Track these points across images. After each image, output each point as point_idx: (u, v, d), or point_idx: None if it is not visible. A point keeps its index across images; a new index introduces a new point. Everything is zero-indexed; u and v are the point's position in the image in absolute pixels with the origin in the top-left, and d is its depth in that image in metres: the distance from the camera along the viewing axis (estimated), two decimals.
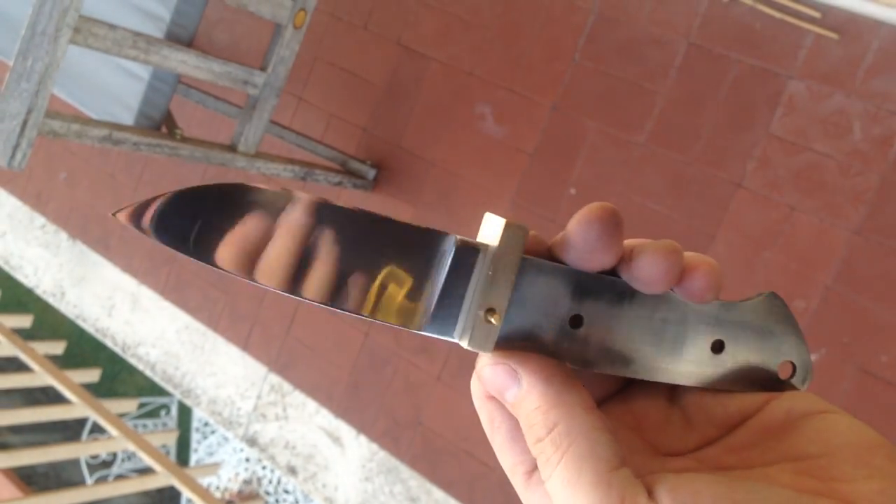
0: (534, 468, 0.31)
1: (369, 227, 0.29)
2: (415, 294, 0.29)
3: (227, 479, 3.28)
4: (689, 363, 0.32)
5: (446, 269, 0.29)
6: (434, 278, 0.29)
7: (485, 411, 0.32)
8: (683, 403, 0.33)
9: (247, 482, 3.30)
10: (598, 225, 0.29)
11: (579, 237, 0.29)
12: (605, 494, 0.27)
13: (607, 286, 0.30)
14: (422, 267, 0.29)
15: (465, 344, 0.29)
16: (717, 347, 0.32)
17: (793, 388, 0.33)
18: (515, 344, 0.30)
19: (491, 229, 0.30)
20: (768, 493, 0.27)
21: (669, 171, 1.56)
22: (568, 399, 0.29)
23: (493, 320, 0.29)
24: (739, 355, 0.32)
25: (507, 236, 0.29)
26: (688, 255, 0.30)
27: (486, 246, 0.29)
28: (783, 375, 0.33)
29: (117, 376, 3.51)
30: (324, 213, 0.28)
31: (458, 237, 0.29)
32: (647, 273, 0.30)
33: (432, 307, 0.29)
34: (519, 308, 0.30)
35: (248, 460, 3.31)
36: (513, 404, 0.30)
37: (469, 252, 0.29)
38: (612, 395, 0.34)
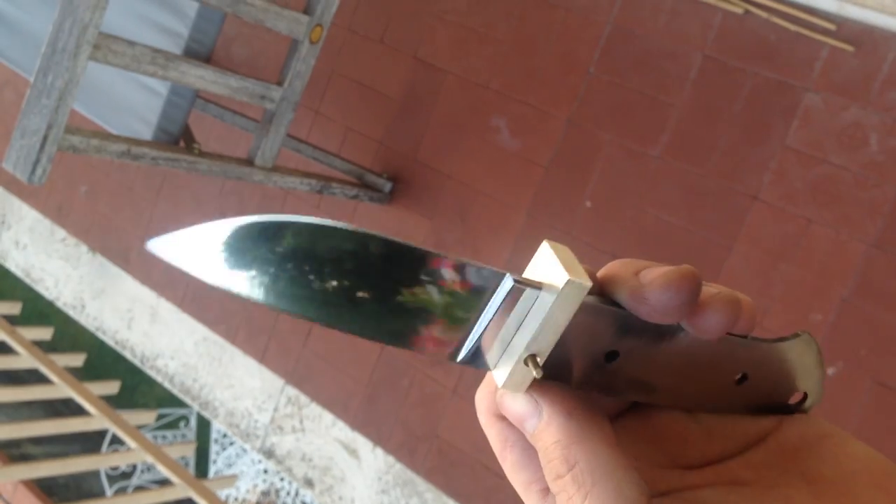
0: (548, 488, 0.31)
1: (420, 260, 0.28)
2: (458, 327, 0.28)
3: (245, 490, 3.29)
4: (711, 394, 0.32)
5: (496, 307, 0.28)
6: (482, 313, 0.28)
7: (494, 430, 0.32)
8: (701, 418, 0.33)
9: (265, 494, 3.31)
10: (685, 294, 0.28)
11: (660, 299, 0.28)
12: None
13: (652, 326, 0.29)
14: (471, 302, 0.28)
15: (500, 383, 0.29)
16: (742, 379, 0.32)
17: (801, 412, 0.33)
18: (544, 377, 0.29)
19: (550, 272, 0.28)
20: None
21: (685, 183, 1.56)
22: (590, 434, 0.28)
23: (532, 367, 0.28)
24: (760, 387, 0.32)
25: (566, 294, 0.27)
26: (706, 289, 0.29)
27: (540, 291, 0.28)
28: (793, 401, 0.33)
29: (137, 388, 3.54)
30: (370, 244, 0.27)
31: (514, 278, 0.28)
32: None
33: (474, 341, 0.29)
34: (558, 346, 0.28)
35: (266, 472, 3.32)
36: (532, 435, 0.29)
37: (521, 292, 0.28)
38: (630, 406, 0.34)
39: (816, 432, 0.31)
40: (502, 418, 0.31)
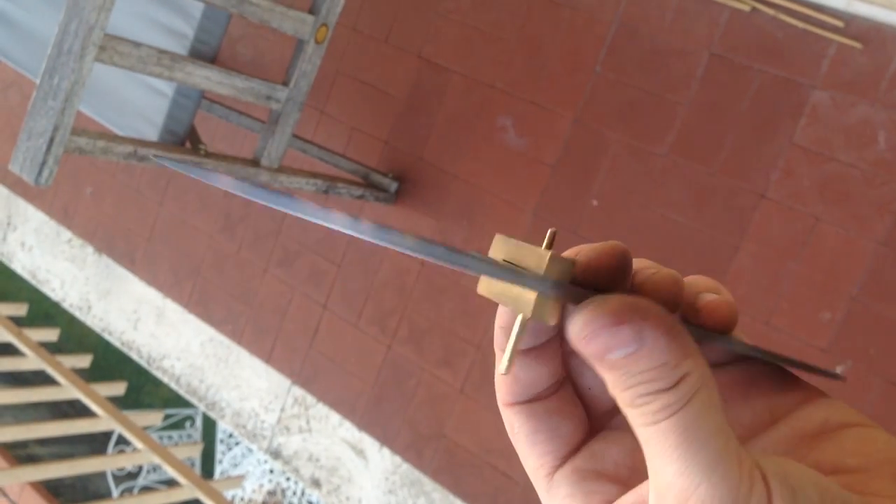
0: (554, 470, 0.31)
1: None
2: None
3: (251, 490, 3.29)
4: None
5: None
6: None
7: (506, 419, 0.32)
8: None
9: (271, 493, 3.31)
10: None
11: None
12: (726, 444, 0.25)
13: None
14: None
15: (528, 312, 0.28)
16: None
17: (834, 376, 0.32)
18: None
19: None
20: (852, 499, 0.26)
21: (692, 182, 1.55)
22: (695, 349, 0.27)
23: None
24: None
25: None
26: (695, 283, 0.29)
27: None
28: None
29: (143, 387, 3.54)
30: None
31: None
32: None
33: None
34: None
35: (272, 472, 3.32)
36: (619, 361, 0.27)
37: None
38: None
39: (841, 419, 0.30)
40: (510, 405, 0.31)
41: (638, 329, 0.26)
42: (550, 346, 0.31)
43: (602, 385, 0.31)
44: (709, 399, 0.26)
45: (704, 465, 0.25)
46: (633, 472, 0.31)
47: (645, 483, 0.29)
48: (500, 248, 0.29)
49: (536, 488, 0.32)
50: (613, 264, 0.28)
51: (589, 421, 0.33)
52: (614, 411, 0.33)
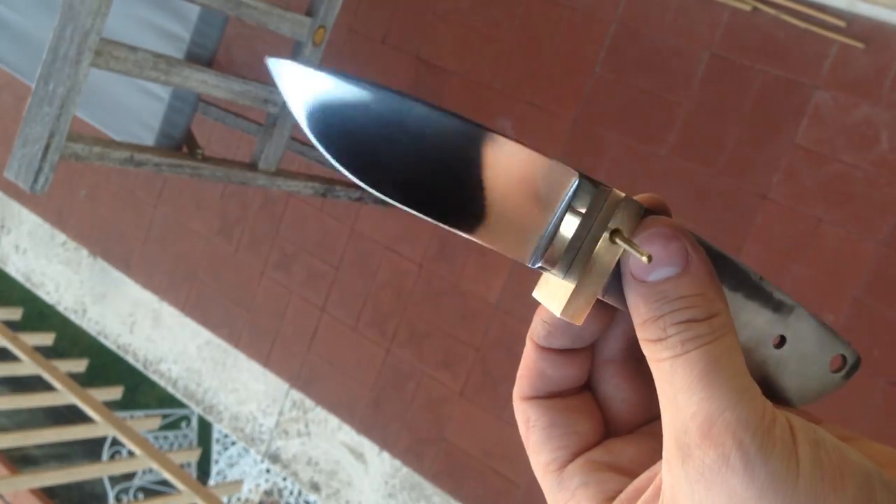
0: (566, 464, 0.31)
1: (490, 149, 0.29)
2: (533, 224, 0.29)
3: (248, 489, 3.28)
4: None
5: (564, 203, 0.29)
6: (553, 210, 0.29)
7: (521, 412, 0.32)
8: None
9: (268, 493, 3.30)
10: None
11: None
12: (752, 383, 0.26)
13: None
14: (538, 195, 0.29)
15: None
16: (779, 343, 0.32)
17: (839, 383, 0.33)
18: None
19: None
20: (879, 448, 0.28)
21: (693, 183, 1.54)
22: (725, 299, 0.29)
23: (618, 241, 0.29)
24: (791, 360, 0.32)
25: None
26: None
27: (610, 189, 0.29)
28: (832, 368, 0.33)
29: (138, 387, 3.52)
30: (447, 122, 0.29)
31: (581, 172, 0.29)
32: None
33: (545, 240, 0.29)
34: None
35: (268, 471, 3.31)
36: (659, 285, 0.28)
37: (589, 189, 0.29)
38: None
39: (838, 435, 0.29)
40: (527, 399, 0.32)
41: (686, 251, 0.28)
42: (583, 354, 0.32)
43: (623, 392, 0.33)
44: (734, 343, 0.27)
45: (731, 393, 0.26)
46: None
47: (659, 463, 0.29)
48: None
49: (543, 483, 0.32)
50: (662, 206, 0.31)
51: (605, 430, 0.33)
52: (631, 424, 0.33)
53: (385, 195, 0.28)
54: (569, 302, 0.29)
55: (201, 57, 1.42)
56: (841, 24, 1.43)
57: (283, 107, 1.43)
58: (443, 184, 0.28)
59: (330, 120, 0.28)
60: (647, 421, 0.33)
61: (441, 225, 0.29)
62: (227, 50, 2.07)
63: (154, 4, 1.44)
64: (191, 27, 1.39)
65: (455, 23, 1.79)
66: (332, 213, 1.92)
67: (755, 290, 0.31)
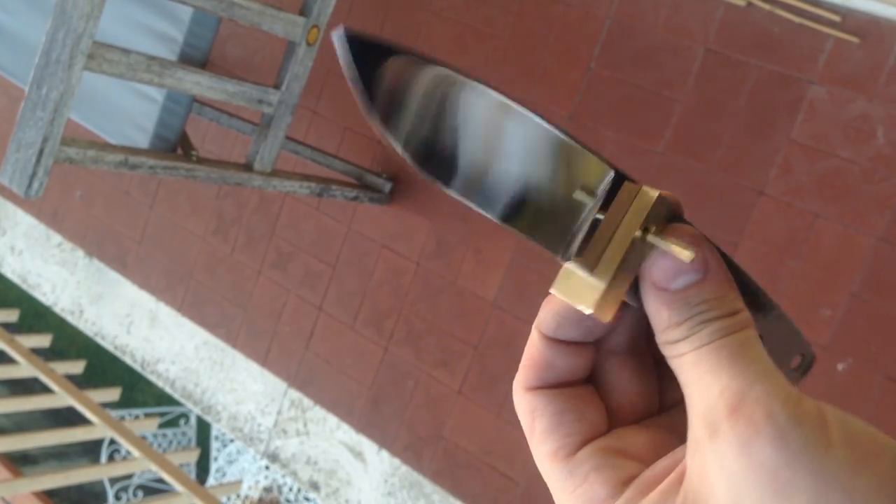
0: (576, 451, 0.31)
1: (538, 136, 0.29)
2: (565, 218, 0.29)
3: (247, 486, 3.28)
4: None
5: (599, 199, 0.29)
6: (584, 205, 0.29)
7: (524, 402, 0.32)
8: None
9: (267, 490, 3.30)
10: None
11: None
12: (775, 367, 0.27)
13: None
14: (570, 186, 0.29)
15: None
16: None
17: (797, 378, 0.34)
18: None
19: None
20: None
21: (689, 179, 1.54)
22: (741, 297, 0.30)
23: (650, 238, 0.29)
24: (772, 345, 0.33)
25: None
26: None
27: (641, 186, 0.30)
28: (793, 365, 0.34)
29: (136, 385, 3.52)
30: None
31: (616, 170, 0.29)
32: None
33: (581, 234, 0.29)
34: None
35: (267, 468, 3.31)
36: (680, 292, 0.29)
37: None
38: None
39: None
40: (531, 389, 0.32)
41: (706, 257, 0.29)
42: (590, 348, 0.32)
43: (627, 384, 0.33)
44: (756, 336, 0.28)
45: (759, 371, 0.26)
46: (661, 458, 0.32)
47: (680, 448, 0.29)
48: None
49: (550, 473, 0.31)
50: (680, 206, 0.31)
51: (611, 421, 0.33)
52: (634, 416, 0.33)
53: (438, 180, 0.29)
54: (601, 299, 0.29)
55: (195, 58, 1.42)
56: (836, 18, 1.42)
57: (279, 106, 1.42)
58: (496, 175, 0.29)
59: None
60: (649, 414, 0.33)
61: (484, 213, 0.30)
62: (221, 49, 2.06)
63: (147, 6, 1.43)
64: (184, 28, 1.39)
65: (449, 20, 1.79)
66: (329, 212, 1.91)
67: (750, 290, 0.31)
